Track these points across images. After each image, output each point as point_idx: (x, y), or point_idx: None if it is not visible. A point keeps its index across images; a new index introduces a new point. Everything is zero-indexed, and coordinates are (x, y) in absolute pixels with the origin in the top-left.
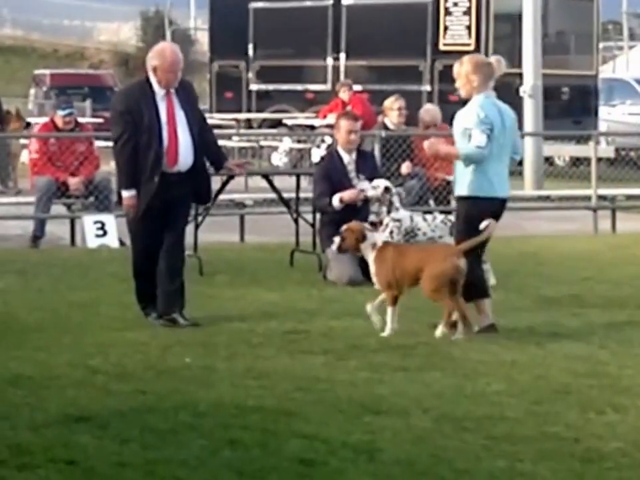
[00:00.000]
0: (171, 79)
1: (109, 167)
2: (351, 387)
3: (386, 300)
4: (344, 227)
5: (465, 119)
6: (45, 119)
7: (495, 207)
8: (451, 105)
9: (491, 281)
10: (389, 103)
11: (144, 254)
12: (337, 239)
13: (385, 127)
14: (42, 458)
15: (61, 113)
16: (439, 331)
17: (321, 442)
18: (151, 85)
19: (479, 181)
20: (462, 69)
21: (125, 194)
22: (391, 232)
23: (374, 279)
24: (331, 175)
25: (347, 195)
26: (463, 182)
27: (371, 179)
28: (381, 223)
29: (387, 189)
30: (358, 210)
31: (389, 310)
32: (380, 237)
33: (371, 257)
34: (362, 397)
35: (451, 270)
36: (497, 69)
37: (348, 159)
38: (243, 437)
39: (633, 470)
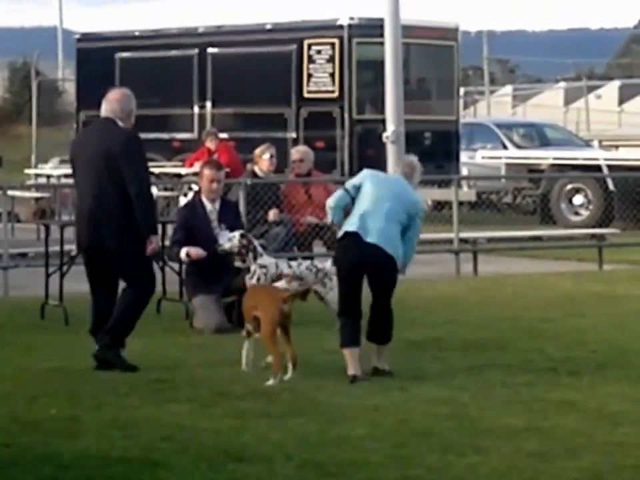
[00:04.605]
0: None
1: None
2: (215, 434)
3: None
4: None
5: None
6: None
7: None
8: (316, 151)
9: None
10: (259, 151)
11: None
12: None
13: (255, 175)
14: None
15: None
16: (271, 381)
17: None
18: None
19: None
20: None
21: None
22: (259, 278)
23: None
24: (192, 224)
25: (193, 251)
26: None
27: (232, 229)
28: (248, 269)
29: (242, 236)
30: (221, 259)
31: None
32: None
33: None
34: (226, 445)
35: (278, 315)
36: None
37: (210, 207)
38: None
39: None
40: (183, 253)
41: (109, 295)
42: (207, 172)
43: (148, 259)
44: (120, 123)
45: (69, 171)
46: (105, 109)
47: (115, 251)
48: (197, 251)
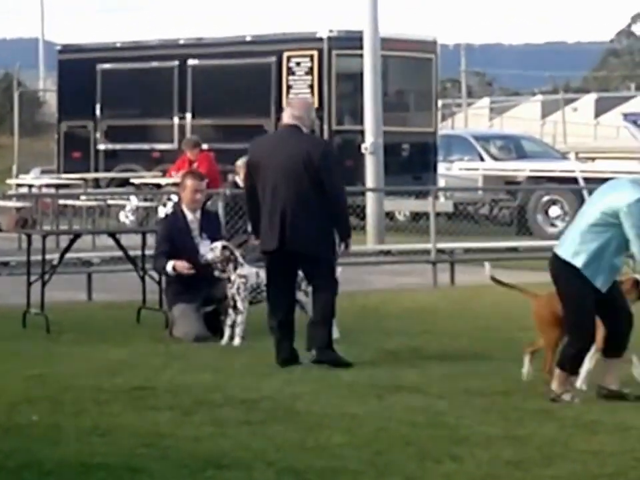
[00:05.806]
0: None
1: None
2: (195, 441)
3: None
4: None
5: None
6: None
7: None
8: None
9: (335, 334)
10: (241, 162)
11: None
12: None
13: (236, 185)
14: None
15: None
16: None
17: None
18: None
19: None
20: None
21: None
22: (238, 288)
23: None
24: (174, 235)
25: (179, 265)
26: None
27: (213, 239)
28: (229, 279)
29: (224, 247)
30: (202, 268)
31: None
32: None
33: None
34: (206, 452)
35: None
36: None
37: (192, 217)
38: None
39: None
40: (169, 266)
41: (287, 294)
42: (190, 182)
43: (334, 261)
44: (304, 130)
45: (50, 181)
46: (292, 116)
47: (309, 255)
48: (182, 265)
